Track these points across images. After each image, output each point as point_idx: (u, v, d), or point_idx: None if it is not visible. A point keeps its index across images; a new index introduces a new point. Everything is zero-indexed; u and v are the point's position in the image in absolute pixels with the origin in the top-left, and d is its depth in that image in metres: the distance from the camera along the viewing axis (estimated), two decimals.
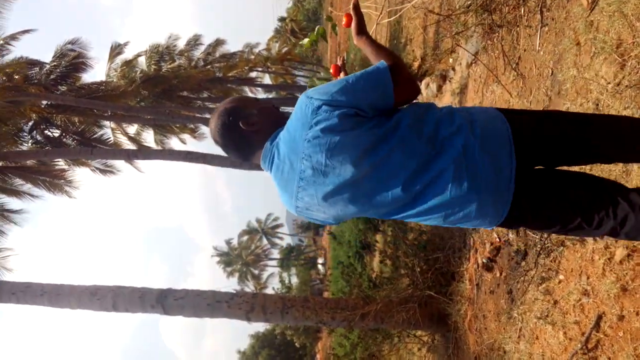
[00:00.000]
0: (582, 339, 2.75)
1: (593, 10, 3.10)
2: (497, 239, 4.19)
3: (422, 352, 5.75)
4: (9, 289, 5.57)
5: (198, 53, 21.78)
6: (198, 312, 5.38)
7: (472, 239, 4.74)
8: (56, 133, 14.11)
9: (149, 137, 17.46)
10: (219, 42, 22.73)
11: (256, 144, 1.61)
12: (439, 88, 6.42)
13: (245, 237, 46.64)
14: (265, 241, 47.30)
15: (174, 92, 19.05)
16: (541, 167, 1.59)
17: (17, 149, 12.62)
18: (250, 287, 40.98)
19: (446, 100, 6.05)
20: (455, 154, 1.45)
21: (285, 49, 35.80)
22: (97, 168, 13.84)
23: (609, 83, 2.83)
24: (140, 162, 14.52)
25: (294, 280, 35.33)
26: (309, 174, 1.51)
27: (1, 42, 11.73)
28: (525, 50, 4.04)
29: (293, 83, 33.43)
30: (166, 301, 5.32)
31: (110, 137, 15.07)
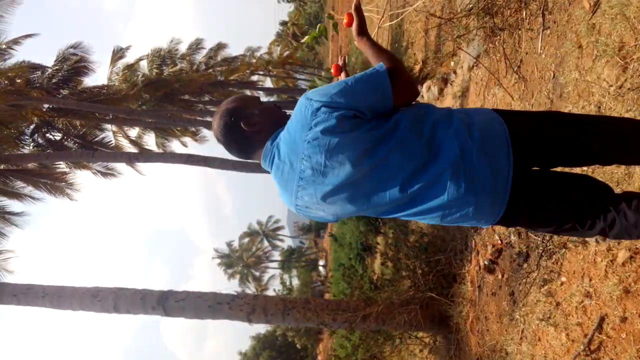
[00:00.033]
0: (585, 341, 2.75)
1: (595, 13, 3.11)
2: (499, 241, 4.20)
3: (424, 354, 5.75)
4: (11, 291, 5.58)
5: (200, 57, 21.83)
6: (199, 313, 5.38)
7: (473, 241, 4.75)
8: (58, 136, 14.13)
9: (150, 140, 17.49)
10: (220, 46, 22.79)
11: (257, 143, 1.64)
12: (441, 91, 6.44)
13: (246, 239, 46.69)
14: (266, 243, 47.36)
15: (175, 96, 19.10)
16: (538, 167, 1.60)
17: (19, 152, 12.65)
18: (251, 289, 40.99)
19: (447, 103, 6.06)
20: (452, 157, 1.46)
21: (287, 52, 35.87)
22: (98, 171, 13.85)
23: (611, 86, 2.84)
24: (141, 165, 14.51)
25: (295, 282, 35.33)
26: (308, 174, 1.53)
27: (4, 46, 11.77)
28: (527, 53, 4.05)
29: (294, 86, 33.48)
30: (167, 303, 5.33)
31: (111, 140, 15.10)
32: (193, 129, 18.69)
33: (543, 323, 3.22)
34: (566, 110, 3.23)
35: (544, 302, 3.27)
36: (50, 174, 12.18)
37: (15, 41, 12.01)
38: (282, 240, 49.60)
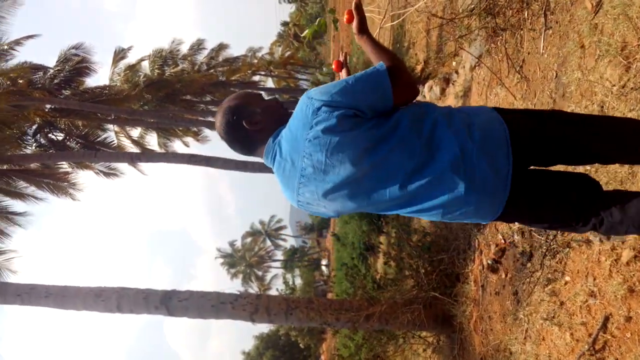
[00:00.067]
0: (589, 340, 2.76)
1: (597, 13, 3.11)
2: (502, 241, 4.20)
3: (427, 353, 5.75)
4: (14, 291, 5.60)
5: (201, 57, 21.84)
6: (202, 313, 5.39)
7: (476, 240, 4.75)
8: (60, 136, 14.16)
9: (152, 140, 17.50)
10: (222, 47, 22.80)
11: (259, 141, 1.66)
12: (442, 91, 6.44)
13: (248, 239, 46.70)
14: (268, 243, 47.36)
15: (177, 96, 19.11)
16: (538, 166, 1.62)
17: (21, 152, 12.68)
18: (254, 289, 40.99)
19: (449, 103, 6.06)
20: (452, 157, 1.48)
21: (288, 53, 35.86)
22: (100, 171, 13.88)
23: (614, 85, 2.85)
24: (143, 165, 14.53)
25: (298, 281, 35.32)
26: (309, 171, 1.55)
27: (5, 47, 11.79)
28: (529, 53, 4.05)
29: (296, 86, 33.47)
30: (170, 302, 5.34)
31: (113, 141, 15.12)
32: (195, 129, 18.70)
33: (547, 322, 3.22)
34: (569, 110, 3.23)
35: (548, 302, 3.28)
36: (53, 174, 12.20)
37: (17, 42, 12.05)
38: (284, 240, 49.62)
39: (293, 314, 5.46)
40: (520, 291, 3.73)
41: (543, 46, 3.81)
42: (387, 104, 1.51)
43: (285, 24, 46.15)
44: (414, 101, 1.62)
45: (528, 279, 3.61)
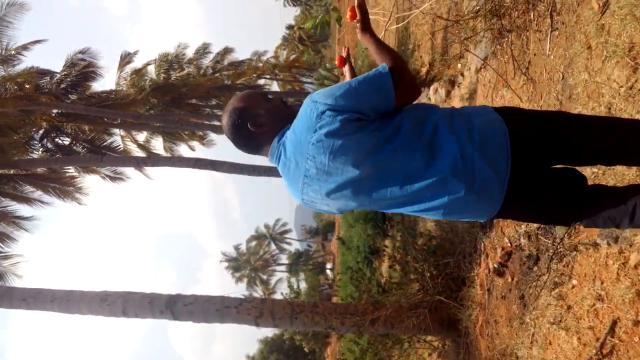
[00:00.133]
0: (597, 345, 2.72)
1: (604, 13, 3.08)
2: (509, 244, 4.17)
3: (433, 358, 5.71)
4: (20, 295, 5.60)
5: (207, 61, 21.95)
6: (207, 317, 5.37)
7: (482, 243, 4.72)
8: (66, 141, 14.25)
9: (158, 145, 17.58)
10: (227, 50, 22.90)
11: (264, 141, 1.70)
12: (448, 93, 6.41)
13: (253, 243, 46.74)
14: (273, 246, 47.37)
15: (183, 100, 19.18)
16: (538, 165, 1.63)
17: (28, 157, 12.74)
18: (258, 292, 40.99)
19: (454, 105, 6.04)
20: (452, 160, 1.50)
21: (293, 56, 35.97)
22: (106, 175, 13.95)
23: (622, 87, 2.82)
24: (149, 169, 14.61)
25: (303, 285, 35.27)
26: (313, 172, 1.59)
27: (13, 52, 11.88)
28: (535, 55, 4.02)
29: (301, 90, 33.52)
30: (175, 307, 5.32)
31: (119, 145, 15.21)
32: (200, 133, 18.77)
33: (554, 327, 3.19)
34: (575, 112, 3.20)
35: (555, 306, 3.24)
36: (59, 178, 12.27)
37: (24, 47, 12.13)
38: (289, 244, 49.63)
39: (298, 319, 5.43)
40: (526, 295, 3.70)
41: (549, 47, 3.78)
42: (390, 105, 1.54)
43: (290, 27, 46.26)
44: (416, 102, 1.64)
45: (534, 283, 3.57)
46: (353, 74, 2.08)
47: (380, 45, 1.64)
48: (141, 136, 16.69)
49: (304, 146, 1.56)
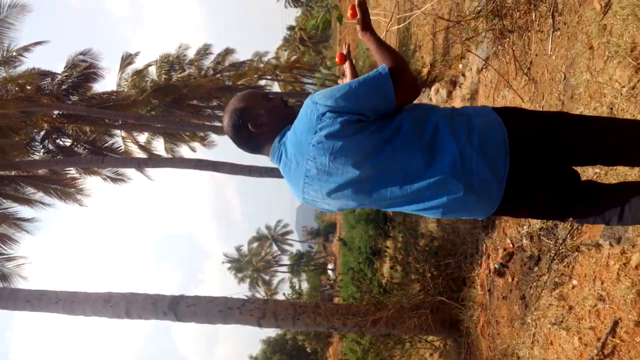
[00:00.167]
0: (598, 345, 2.72)
1: (606, 14, 3.09)
2: (510, 245, 4.17)
3: (434, 358, 5.72)
4: (25, 297, 5.61)
5: (208, 62, 21.95)
6: (210, 318, 5.38)
7: (484, 244, 4.72)
8: (67, 142, 14.25)
9: (159, 146, 17.60)
10: (228, 51, 22.90)
11: (264, 142, 1.71)
12: (449, 94, 6.42)
13: (255, 244, 46.70)
14: (275, 247, 47.31)
15: (184, 101, 19.18)
16: (538, 165, 1.63)
17: (29, 159, 12.74)
18: (261, 293, 40.98)
19: (456, 105, 6.04)
20: (451, 161, 1.51)
21: (294, 57, 35.96)
22: (108, 176, 13.94)
23: (624, 87, 2.82)
24: (150, 171, 14.61)
25: (304, 285, 35.26)
26: (313, 173, 1.60)
27: (14, 53, 11.88)
28: (537, 55, 4.03)
29: (302, 90, 33.52)
30: (178, 308, 5.33)
31: (121, 146, 15.20)
32: (201, 134, 18.76)
33: (555, 327, 3.19)
34: (577, 112, 3.20)
35: (556, 306, 3.24)
36: (61, 179, 12.26)
37: (26, 48, 12.13)
38: (291, 245, 49.57)
39: (300, 319, 5.44)
40: (527, 295, 3.70)
41: (551, 48, 3.78)
42: (390, 106, 1.54)
43: (291, 28, 46.28)
44: (416, 102, 1.65)
45: (535, 283, 3.57)
46: (353, 71, 2.08)
47: (381, 44, 1.65)
48: (142, 137, 16.70)
49: (305, 147, 1.56)
